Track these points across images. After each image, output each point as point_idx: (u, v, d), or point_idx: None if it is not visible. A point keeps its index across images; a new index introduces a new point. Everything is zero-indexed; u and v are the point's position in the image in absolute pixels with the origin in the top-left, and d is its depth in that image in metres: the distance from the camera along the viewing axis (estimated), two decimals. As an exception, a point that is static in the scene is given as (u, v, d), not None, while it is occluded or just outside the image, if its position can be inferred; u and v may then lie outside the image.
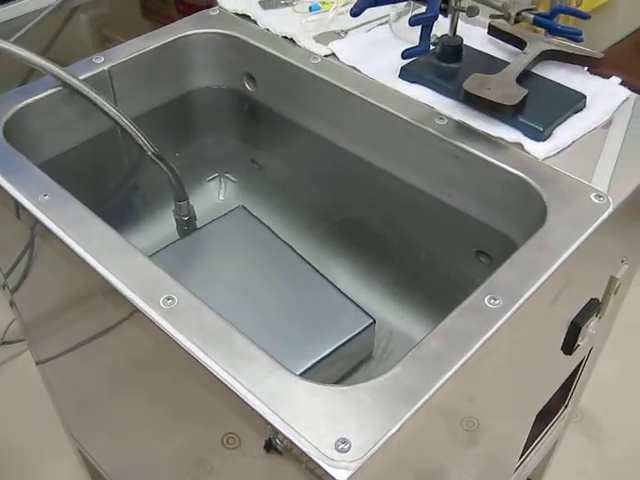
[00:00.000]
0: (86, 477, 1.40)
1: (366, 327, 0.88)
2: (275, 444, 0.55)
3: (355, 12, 0.83)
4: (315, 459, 0.51)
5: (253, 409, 0.55)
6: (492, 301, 0.63)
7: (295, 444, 0.52)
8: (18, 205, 0.74)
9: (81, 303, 0.84)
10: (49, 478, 1.51)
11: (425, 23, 0.83)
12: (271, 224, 1.01)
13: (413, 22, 0.82)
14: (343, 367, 0.89)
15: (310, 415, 0.54)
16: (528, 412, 0.96)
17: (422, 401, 0.56)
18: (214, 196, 1.12)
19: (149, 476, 1.02)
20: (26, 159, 0.79)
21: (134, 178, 1.03)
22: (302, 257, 0.96)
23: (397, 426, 0.54)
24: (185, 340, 0.60)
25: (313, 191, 1.05)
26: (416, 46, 0.85)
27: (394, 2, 0.91)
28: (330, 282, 0.92)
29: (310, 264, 0.95)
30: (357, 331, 0.87)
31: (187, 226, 1.00)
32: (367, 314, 0.89)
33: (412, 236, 0.95)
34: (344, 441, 0.52)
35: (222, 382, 0.57)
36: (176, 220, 1.00)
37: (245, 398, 0.55)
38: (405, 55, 0.87)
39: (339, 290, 0.92)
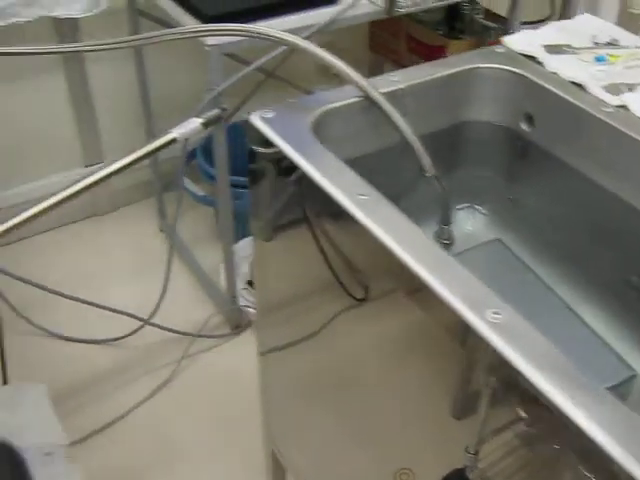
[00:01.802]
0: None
1: (627, 379, 0.86)
2: None
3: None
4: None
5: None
6: None
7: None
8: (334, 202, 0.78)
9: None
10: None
11: None
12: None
13: None
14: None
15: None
16: None
17: None
18: (461, 225, 1.13)
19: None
20: (337, 159, 0.83)
21: (404, 197, 1.05)
22: (562, 299, 0.95)
23: None
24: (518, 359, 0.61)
25: (577, 241, 1.02)
26: None
27: None
28: (589, 327, 0.91)
29: (569, 307, 0.94)
30: (617, 382, 0.85)
31: (445, 251, 1.01)
32: (628, 365, 0.87)
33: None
34: None
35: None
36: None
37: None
38: None
39: (597, 335, 0.90)
